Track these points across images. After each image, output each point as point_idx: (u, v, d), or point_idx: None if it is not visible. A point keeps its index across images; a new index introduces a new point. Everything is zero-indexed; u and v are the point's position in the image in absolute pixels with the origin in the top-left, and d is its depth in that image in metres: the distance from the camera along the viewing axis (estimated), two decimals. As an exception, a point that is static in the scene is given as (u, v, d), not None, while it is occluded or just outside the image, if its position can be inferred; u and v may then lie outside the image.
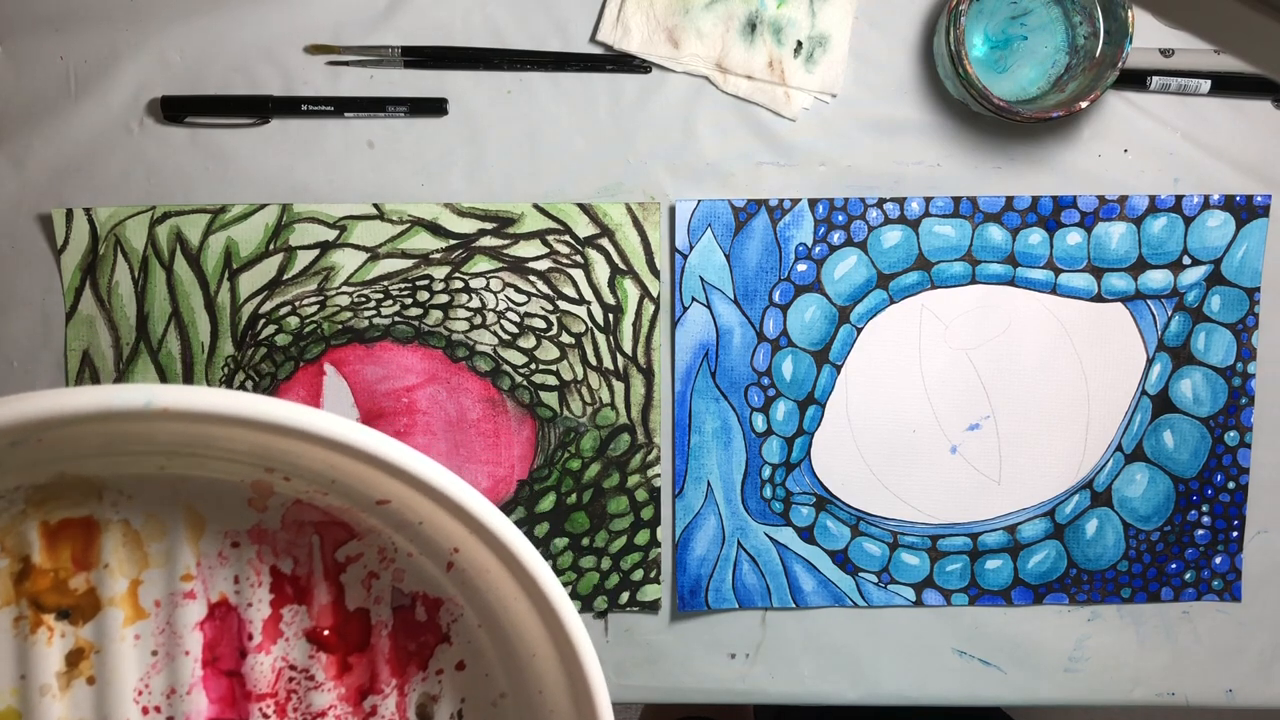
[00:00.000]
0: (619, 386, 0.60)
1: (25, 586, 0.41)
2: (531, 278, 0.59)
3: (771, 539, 0.61)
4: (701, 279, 0.59)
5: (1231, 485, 0.61)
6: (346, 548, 0.44)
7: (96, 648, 0.42)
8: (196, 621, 0.43)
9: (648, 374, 0.60)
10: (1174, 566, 0.61)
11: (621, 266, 0.59)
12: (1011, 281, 0.59)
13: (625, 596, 0.61)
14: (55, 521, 0.41)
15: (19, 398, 0.32)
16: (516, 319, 0.60)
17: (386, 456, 0.36)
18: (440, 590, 0.44)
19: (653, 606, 0.61)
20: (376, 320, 0.59)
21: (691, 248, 0.59)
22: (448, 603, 0.44)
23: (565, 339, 0.60)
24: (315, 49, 0.59)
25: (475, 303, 0.59)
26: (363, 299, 0.59)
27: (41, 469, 0.40)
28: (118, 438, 0.38)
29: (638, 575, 0.61)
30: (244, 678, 0.44)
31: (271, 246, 0.59)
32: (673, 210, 0.59)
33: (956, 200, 0.59)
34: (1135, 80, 0.59)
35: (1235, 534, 0.61)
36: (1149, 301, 0.60)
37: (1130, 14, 0.54)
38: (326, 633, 0.44)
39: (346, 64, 0.59)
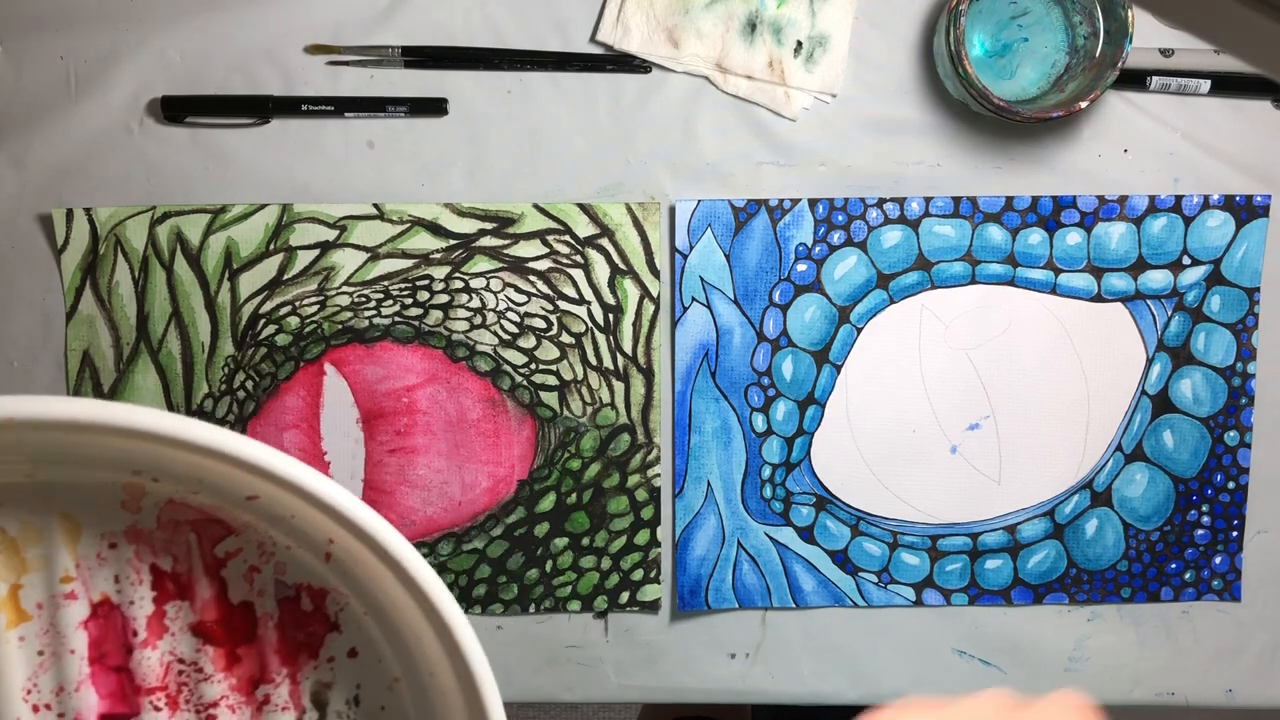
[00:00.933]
0: (619, 386, 0.60)
1: None
2: (531, 278, 0.59)
3: (771, 539, 0.61)
4: (701, 279, 0.59)
5: (1231, 485, 0.61)
6: (225, 543, 0.44)
7: None
8: (80, 621, 0.44)
9: (648, 374, 0.60)
10: (1174, 566, 0.62)
11: (621, 266, 0.59)
12: (1011, 281, 0.59)
13: (625, 596, 0.61)
14: None
15: None
16: (516, 319, 0.60)
17: (238, 453, 0.37)
18: (323, 581, 0.44)
19: (653, 606, 0.61)
20: (377, 320, 0.59)
21: (691, 248, 0.59)
22: (332, 592, 0.45)
23: (565, 339, 0.60)
24: (315, 49, 0.59)
25: (475, 303, 0.59)
26: (363, 299, 0.59)
27: None
28: None
29: (638, 575, 0.61)
30: (132, 673, 0.45)
31: (272, 246, 0.59)
32: (673, 210, 0.59)
33: (956, 200, 0.59)
34: (1135, 80, 0.59)
35: (1235, 534, 0.61)
36: (1149, 301, 0.60)
37: (1130, 14, 0.54)
38: (212, 626, 0.45)
39: (346, 64, 0.59)
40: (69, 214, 0.58)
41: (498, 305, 0.59)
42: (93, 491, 0.43)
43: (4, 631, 0.43)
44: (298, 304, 0.59)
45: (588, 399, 0.60)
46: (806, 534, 0.61)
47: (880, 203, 0.59)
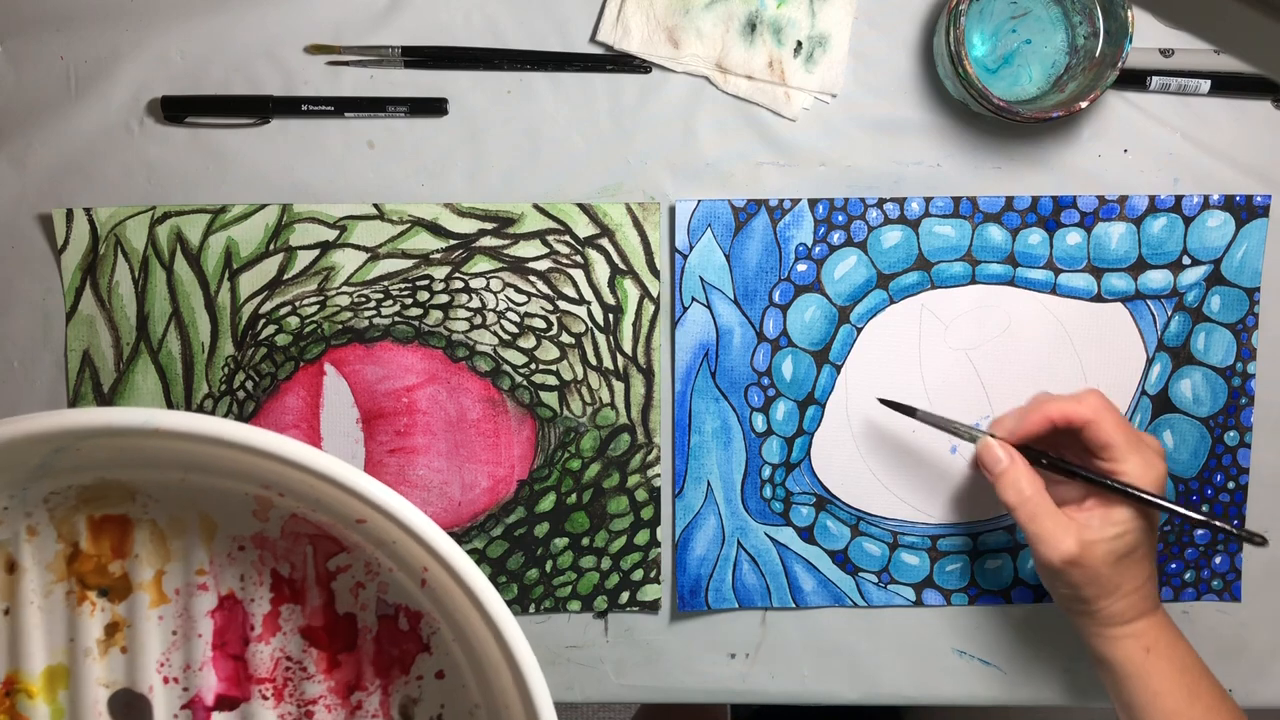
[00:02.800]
0: (619, 386, 0.60)
1: (74, 567, 0.49)
2: (531, 278, 0.59)
3: (771, 539, 0.61)
4: (701, 279, 0.59)
5: (1231, 485, 0.61)
6: (337, 559, 0.50)
7: (128, 623, 0.50)
8: (208, 610, 0.50)
9: (648, 374, 0.60)
10: (1174, 566, 0.62)
11: (621, 266, 0.59)
12: (1011, 281, 0.59)
13: (625, 596, 0.61)
14: (99, 516, 0.49)
15: (48, 415, 0.41)
16: (516, 319, 0.60)
17: (347, 481, 0.42)
18: (419, 605, 0.49)
19: (653, 606, 0.61)
20: (376, 320, 0.59)
21: (691, 248, 0.59)
22: (427, 616, 0.49)
23: (565, 339, 0.60)
24: (315, 49, 0.59)
25: (475, 303, 0.59)
26: (363, 299, 0.59)
27: (86, 473, 0.48)
28: (139, 451, 0.45)
29: (638, 575, 0.61)
30: (247, 662, 0.50)
31: (272, 246, 0.59)
32: (673, 210, 0.59)
33: (956, 200, 0.59)
34: (1135, 80, 0.59)
35: (1235, 534, 0.61)
36: (1149, 301, 0.60)
37: (1130, 14, 0.54)
38: (318, 631, 0.50)
39: (346, 64, 0.59)
40: (69, 214, 0.58)
41: (498, 305, 0.59)
42: (230, 499, 0.49)
43: (147, 609, 0.50)
44: (298, 304, 0.59)
45: (588, 399, 0.60)
46: (806, 534, 0.61)
47: (880, 203, 0.59)
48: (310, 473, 0.42)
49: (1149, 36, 0.59)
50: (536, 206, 0.59)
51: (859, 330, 0.60)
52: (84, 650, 0.50)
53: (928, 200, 0.59)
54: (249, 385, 0.59)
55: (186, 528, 0.49)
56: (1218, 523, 0.50)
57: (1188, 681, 0.51)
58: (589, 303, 0.59)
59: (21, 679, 0.49)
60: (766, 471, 0.60)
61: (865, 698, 0.62)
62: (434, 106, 0.59)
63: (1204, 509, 0.61)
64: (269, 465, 0.43)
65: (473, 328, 0.60)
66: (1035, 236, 0.59)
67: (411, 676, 0.50)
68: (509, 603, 0.61)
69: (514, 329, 0.60)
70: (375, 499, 0.42)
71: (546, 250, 0.59)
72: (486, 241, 0.59)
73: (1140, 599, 0.51)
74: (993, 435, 0.54)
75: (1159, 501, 0.50)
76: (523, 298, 0.60)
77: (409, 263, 0.59)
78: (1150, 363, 0.60)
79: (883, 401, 0.57)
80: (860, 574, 0.61)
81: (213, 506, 0.49)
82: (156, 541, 0.49)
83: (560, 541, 0.61)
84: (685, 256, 0.59)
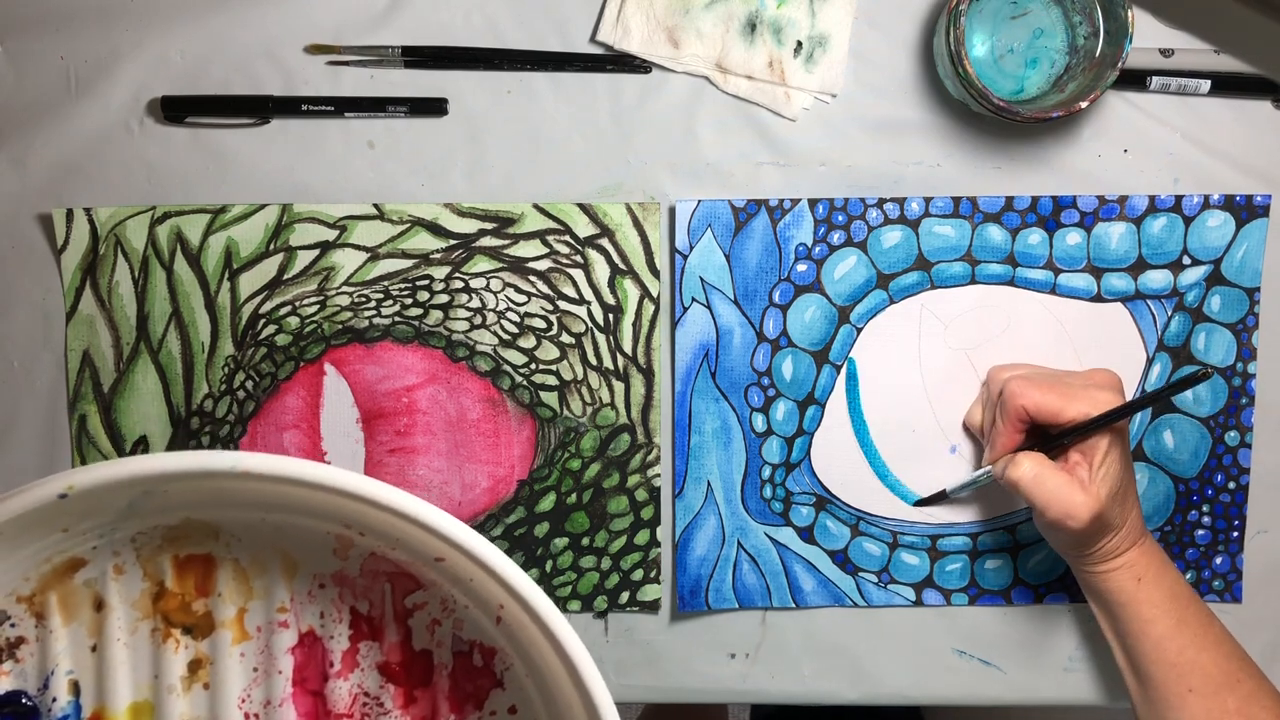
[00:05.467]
0: (619, 386, 0.60)
1: (159, 605, 0.50)
2: (531, 278, 0.59)
3: (771, 539, 0.61)
4: (701, 279, 0.59)
5: (1232, 485, 0.61)
6: (414, 596, 0.51)
7: (211, 660, 0.51)
8: (289, 647, 0.51)
9: (648, 374, 0.60)
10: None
11: (621, 266, 0.59)
12: (1011, 281, 0.59)
13: (625, 596, 0.61)
14: (183, 556, 0.50)
15: (137, 459, 0.41)
16: (516, 319, 0.60)
17: (430, 522, 0.42)
18: (494, 641, 0.50)
19: (653, 606, 0.61)
20: (377, 320, 0.59)
21: (691, 248, 0.59)
22: (500, 652, 0.50)
23: (565, 339, 0.60)
24: (315, 49, 0.59)
25: (475, 303, 0.59)
26: (363, 299, 0.59)
27: (172, 514, 0.48)
28: (224, 492, 0.46)
29: (638, 575, 0.61)
30: (326, 698, 0.51)
31: (272, 246, 0.59)
32: (673, 210, 0.59)
33: (956, 200, 0.59)
34: (1135, 80, 0.59)
35: (1235, 534, 0.61)
36: (1149, 301, 0.60)
37: (1130, 14, 0.54)
38: (396, 667, 0.51)
39: (346, 64, 0.59)
40: (69, 214, 0.58)
41: (498, 305, 0.59)
42: (311, 537, 0.50)
43: (230, 646, 0.51)
44: (298, 304, 0.59)
45: (588, 399, 0.60)
46: (806, 534, 0.61)
47: (880, 203, 0.59)
48: (393, 513, 0.42)
49: (1149, 36, 0.59)
50: (536, 206, 0.59)
51: (859, 330, 0.60)
52: (168, 687, 0.51)
53: (928, 200, 0.59)
54: (249, 385, 0.59)
55: (268, 566, 0.50)
56: (1176, 381, 0.52)
57: (1177, 609, 0.53)
58: (589, 303, 0.59)
59: (107, 715, 0.50)
60: (766, 471, 0.60)
61: (865, 698, 0.62)
62: (434, 106, 0.59)
63: (1204, 509, 0.61)
64: (350, 505, 0.44)
65: (473, 328, 0.60)
66: (1035, 236, 0.59)
67: (485, 712, 0.51)
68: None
69: (514, 329, 0.60)
70: (456, 538, 0.43)
71: (546, 250, 0.59)
72: (486, 241, 0.59)
73: (1130, 530, 0.54)
74: (989, 466, 0.57)
75: (1122, 407, 0.52)
76: (523, 298, 0.60)
77: (409, 263, 0.59)
78: (1150, 363, 0.60)
79: (920, 503, 0.61)
80: (860, 574, 0.61)
81: (294, 545, 0.50)
82: (239, 580, 0.50)
83: (560, 541, 0.61)
84: (685, 256, 0.59)
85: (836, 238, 0.59)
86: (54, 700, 0.50)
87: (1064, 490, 0.52)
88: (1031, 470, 0.52)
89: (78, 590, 0.49)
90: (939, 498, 0.60)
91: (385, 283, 0.59)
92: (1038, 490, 0.52)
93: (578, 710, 0.45)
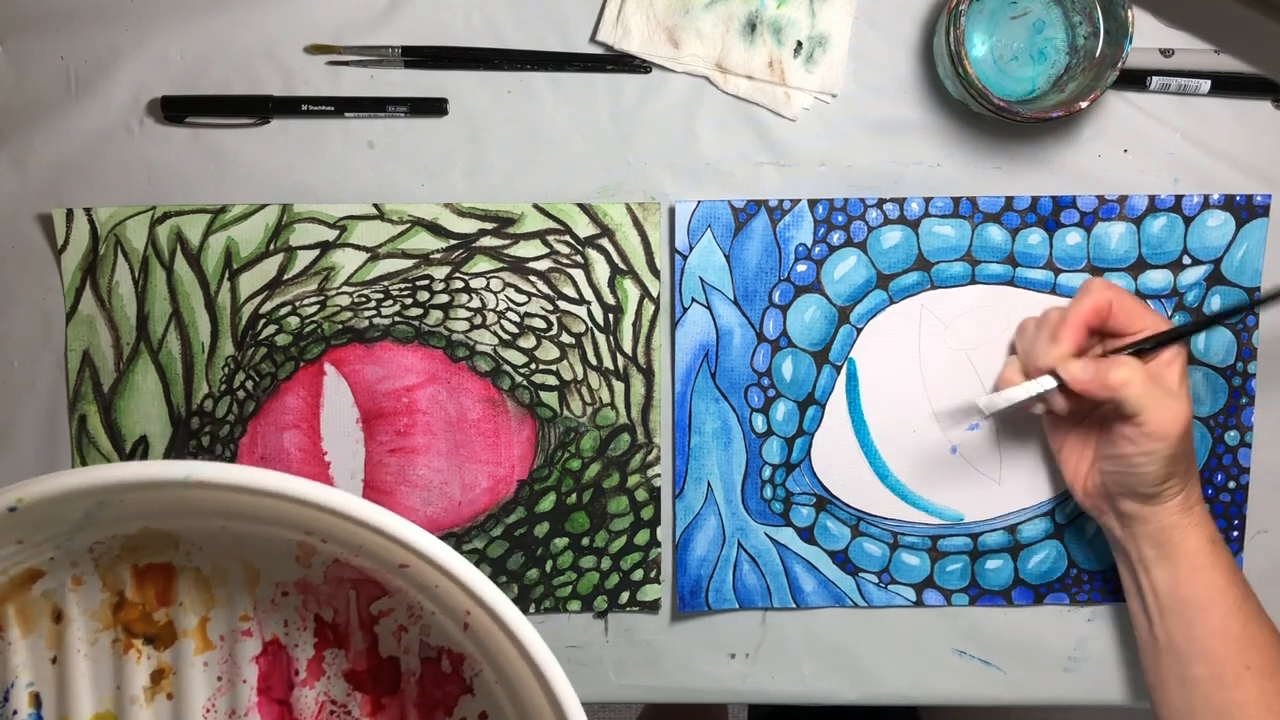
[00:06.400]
0: (619, 386, 0.60)
1: (120, 615, 0.50)
2: (531, 278, 0.59)
3: (771, 539, 0.61)
4: (701, 279, 0.59)
5: (1232, 485, 0.61)
6: (379, 603, 0.50)
7: (174, 670, 0.50)
8: (253, 655, 0.51)
9: (648, 374, 0.60)
10: (1174, 566, 0.61)
11: (621, 267, 0.59)
12: (1011, 282, 0.59)
13: (625, 596, 0.61)
14: (143, 565, 0.49)
15: (88, 470, 0.41)
16: (516, 319, 0.60)
17: (388, 529, 0.42)
18: (461, 647, 0.49)
19: (653, 606, 0.61)
20: (377, 320, 0.59)
21: (691, 248, 0.59)
22: (469, 658, 0.50)
23: (565, 339, 0.60)
24: (315, 49, 0.59)
25: (475, 303, 0.59)
26: (363, 299, 0.59)
27: (130, 523, 0.48)
28: (181, 501, 0.45)
29: (638, 575, 0.61)
30: (292, 706, 0.51)
31: (272, 246, 0.59)
32: (672, 211, 0.59)
33: (956, 200, 0.59)
34: (1135, 80, 0.59)
35: (1235, 534, 0.61)
36: (1149, 301, 0.60)
37: (1130, 14, 0.54)
38: (362, 675, 0.50)
39: (346, 64, 0.59)
40: (69, 214, 0.58)
41: (498, 305, 0.59)
42: (272, 545, 0.49)
43: (192, 656, 0.51)
44: (298, 304, 0.59)
45: (588, 399, 0.60)
46: (806, 534, 0.61)
47: (880, 203, 0.59)
48: (351, 520, 0.42)
49: (1149, 36, 0.59)
50: (536, 206, 0.59)
51: (859, 330, 0.60)
52: (130, 698, 0.50)
53: (927, 200, 0.59)
54: (249, 385, 0.59)
55: (230, 575, 0.50)
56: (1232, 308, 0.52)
57: (1241, 576, 0.51)
58: (589, 303, 0.59)
59: None
60: (767, 472, 0.60)
61: (865, 698, 0.62)
62: (434, 106, 0.59)
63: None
64: (309, 513, 0.43)
65: (473, 328, 0.60)
66: (1035, 236, 0.59)
67: (455, 718, 0.51)
68: (509, 603, 0.61)
69: (514, 329, 0.60)
70: (417, 545, 0.42)
71: (546, 250, 0.59)
72: (486, 241, 0.59)
73: (1195, 479, 0.51)
74: (1053, 372, 0.53)
75: (1195, 323, 0.52)
76: (523, 298, 0.60)
77: (409, 263, 0.59)
78: (1150, 363, 0.60)
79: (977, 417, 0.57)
80: (860, 574, 0.61)
81: (255, 553, 0.49)
82: (200, 589, 0.50)
83: (560, 541, 0.61)
84: (685, 257, 0.59)
85: (836, 238, 0.59)
86: (15, 713, 0.49)
87: (1164, 397, 0.48)
88: (1133, 373, 0.48)
89: (36, 602, 0.49)
90: (974, 412, 0.55)
91: (385, 283, 0.59)
92: (1145, 394, 0.48)
93: (547, 716, 0.45)
